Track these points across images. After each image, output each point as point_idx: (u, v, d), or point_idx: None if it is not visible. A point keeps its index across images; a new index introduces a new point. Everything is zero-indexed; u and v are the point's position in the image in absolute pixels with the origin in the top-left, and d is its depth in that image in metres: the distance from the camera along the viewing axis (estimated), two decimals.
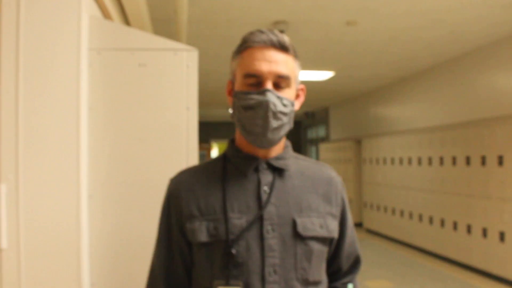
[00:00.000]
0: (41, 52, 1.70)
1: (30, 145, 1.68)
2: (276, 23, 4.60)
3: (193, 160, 1.89)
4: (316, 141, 13.81)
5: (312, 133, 14.47)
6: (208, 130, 13.13)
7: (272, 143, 1.08)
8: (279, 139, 1.09)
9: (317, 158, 12.84)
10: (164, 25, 4.48)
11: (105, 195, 1.85)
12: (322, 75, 7.41)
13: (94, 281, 1.80)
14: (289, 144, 1.19)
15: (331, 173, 1.21)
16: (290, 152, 1.18)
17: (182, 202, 1.10)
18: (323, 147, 11.76)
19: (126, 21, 3.11)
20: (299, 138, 15.44)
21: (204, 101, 9.35)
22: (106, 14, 2.31)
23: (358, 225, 9.52)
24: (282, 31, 4.71)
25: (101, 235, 1.83)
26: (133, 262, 1.80)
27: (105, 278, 1.83)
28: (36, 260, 1.66)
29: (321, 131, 13.37)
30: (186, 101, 1.91)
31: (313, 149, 14.32)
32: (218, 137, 14.65)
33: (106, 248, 1.84)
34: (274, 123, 1.04)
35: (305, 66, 6.75)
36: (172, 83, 1.90)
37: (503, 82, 5.40)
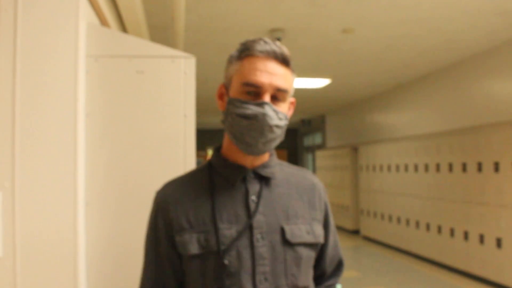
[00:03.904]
0: (38, 59, 1.70)
1: (26, 152, 1.67)
2: (273, 30, 4.62)
3: (190, 167, 1.88)
4: (312, 149, 13.81)
5: (308, 141, 14.48)
6: (204, 138, 13.12)
7: (262, 153, 1.10)
8: (269, 150, 1.11)
9: (314, 165, 12.83)
10: (161, 33, 4.49)
11: (102, 203, 1.84)
12: (319, 83, 7.43)
13: None
14: (274, 151, 1.19)
15: (314, 179, 1.23)
16: (275, 159, 1.19)
17: (171, 215, 1.09)
18: (319, 154, 11.76)
19: (124, 28, 3.11)
20: (296, 145, 15.44)
21: (201, 109, 9.35)
22: (103, 21, 2.32)
23: (355, 232, 9.51)
24: (278, 39, 4.73)
25: (98, 243, 1.82)
26: (131, 271, 1.79)
27: (102, 287, 1.81)
28: (32, 268, 1.65)
29: (317, 139, 13.38)
30: (183, 108, 1.91)
31: (309, 156, 14.32)
32: (214, 145, 14.59)
33: (103, 256, 1.83)
34: (268, 136, 1.05)
35: (302, 73, 6.77)
36: (170, 90, 1.90)
37: (498, 89, 5.43)
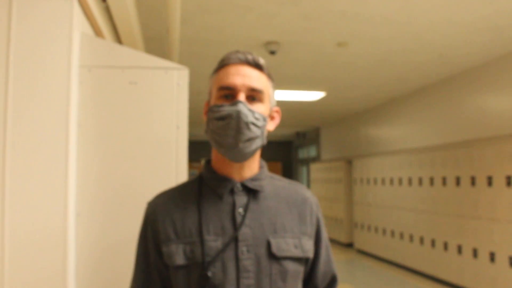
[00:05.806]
0: (31, 69, 1.69)
1: (17, 162, 1.66)
2: (268, 43, 4.65)
3: (182, 178, 1.88)
4: (307, 161, 13.82)
5: (303, 153, 14.49)
6: (199, 149, 13.10)
7: (244, 156, 1.09)
8: (251, 153, 1.10)
9: (308, 178, 12.83)
10: (156, 44, 4.50)
11: (93, 213, 1.82)
12: (313, 96, 7.46)
13: None
14: (264, 164, 1.20)
15: (306, 193, 1.23)
16: (266, 172, 1.19)
17: (159, 225, 1.10)
18: (314, 167, 11.76)
19: (118, 39, 3.12)
20: (290, 158, 15.45)
21: (195, 120, 9.36)
22: (97, 32, 2.32)
23: (349, 245, 9.48)
24: (273, 52, 4.75)
25: (88, 253, 1.80)
26: (121, 280, 1.77)
27: None
28: (21, 280, 1.63)
29: (312, 151, 13.40)
30: (176, 120, 1.91)
31: (304, 169, 14.32)
32: (209, 156, 14.55)
33: (94, 266, 1.81)
34: (246, 134, 1.05)
35: (296, 86, 6.80)
36: (163, 102, 1.91)
37: (491, 103, 5.48)
